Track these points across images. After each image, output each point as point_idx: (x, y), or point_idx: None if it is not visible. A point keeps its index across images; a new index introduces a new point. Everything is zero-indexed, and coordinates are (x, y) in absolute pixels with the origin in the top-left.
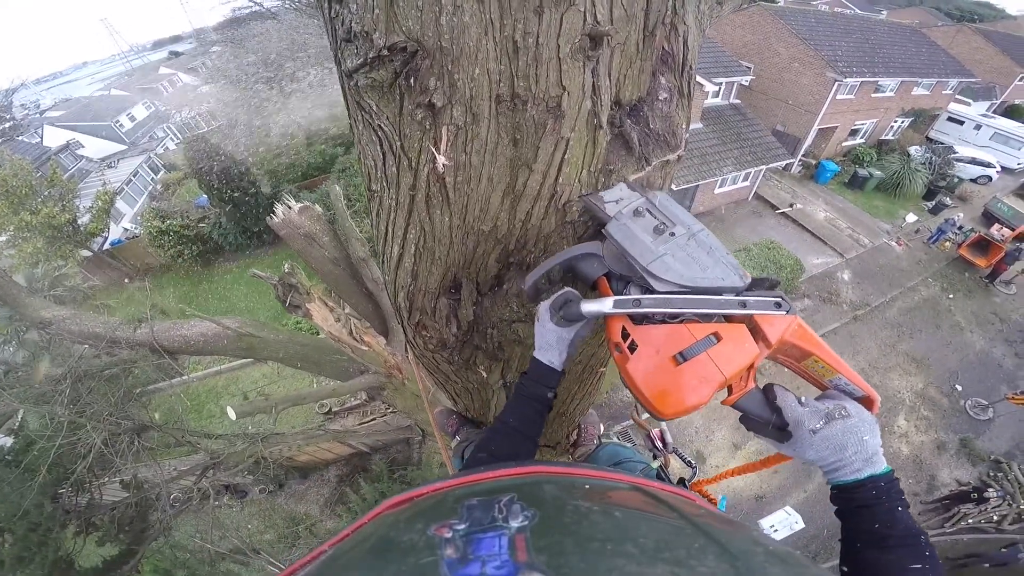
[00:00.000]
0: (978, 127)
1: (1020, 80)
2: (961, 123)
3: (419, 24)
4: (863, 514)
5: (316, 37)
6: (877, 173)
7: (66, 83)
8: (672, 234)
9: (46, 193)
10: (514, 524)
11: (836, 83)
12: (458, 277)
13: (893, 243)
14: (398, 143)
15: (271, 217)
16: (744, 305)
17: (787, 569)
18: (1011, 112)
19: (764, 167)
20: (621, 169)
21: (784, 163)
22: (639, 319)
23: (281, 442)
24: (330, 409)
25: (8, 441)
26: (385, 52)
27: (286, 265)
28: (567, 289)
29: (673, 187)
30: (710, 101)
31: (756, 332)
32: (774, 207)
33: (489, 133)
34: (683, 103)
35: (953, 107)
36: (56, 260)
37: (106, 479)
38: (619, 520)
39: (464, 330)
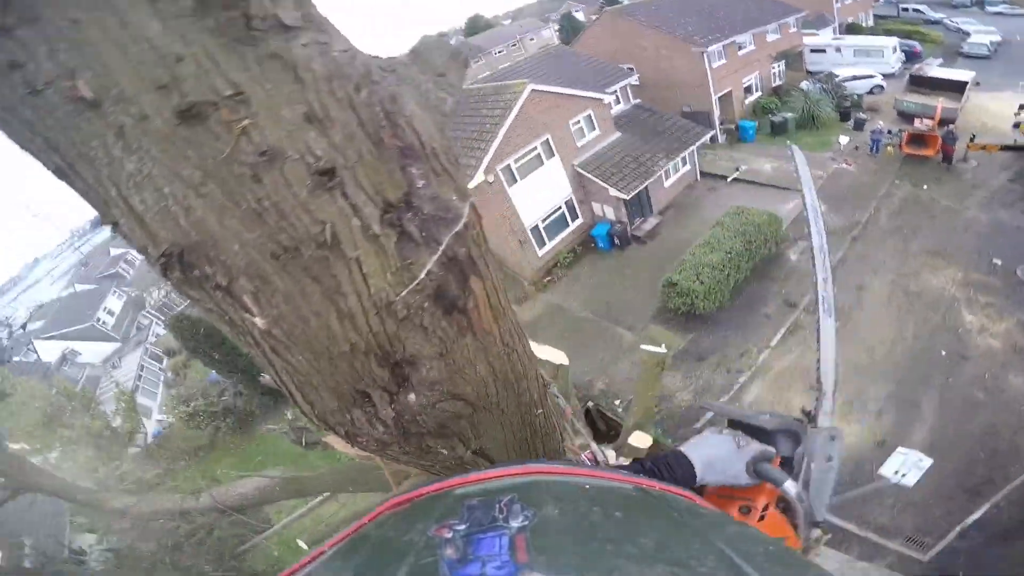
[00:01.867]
0: (838, 50)
1: (837, 3)
2: (823, 51)
3: (169, 231)
4: None
5: None
6: (789, 115)
7: (30, 287)
8: (831, 467)
9: (70, 408)
10: (514, 524)
11: (703, 54)
12: (359, 389)
13: (843, 165)
14: (225, 316)
15: (262, 376)
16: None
17: (788, 570)
18: (852, 30)
19: (693, 147)
20: (418, 258)
21: (708, 136)
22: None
23: None
24: None
25: None
26: (164, 258)
27: (288, 413)
28: (765, 449)
29: (623, 196)
30: (617, 109)
31: None
32: (724, 177)
33: (286, 284)
34: (443, 179)
35: (807, 40)
36: (111, 462)
37: None
38: (619, 520)
39: (393, 426)
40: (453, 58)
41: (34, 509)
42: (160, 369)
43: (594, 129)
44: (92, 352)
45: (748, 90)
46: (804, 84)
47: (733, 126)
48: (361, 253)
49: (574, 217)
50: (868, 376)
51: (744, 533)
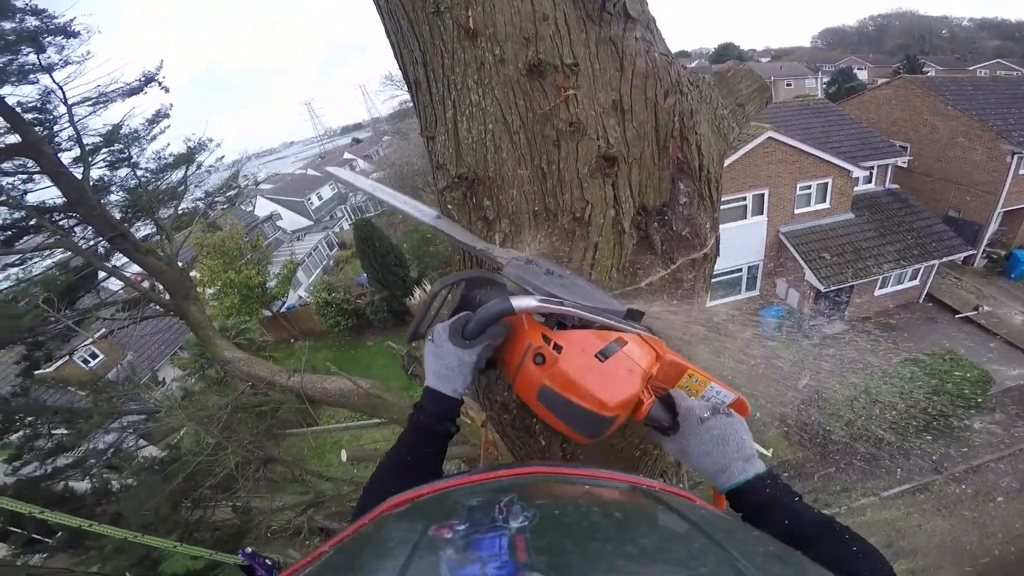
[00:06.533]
0: None
1: None
2: None
3: (475, 160)
4: (768, 513)
5: None
6: None
7: (277, 159)
8: (561, 275)
9: (248, 256)
10: (514, 524)
11: (1015, 156)
12: None
13: None
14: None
15: (410, 298)
16: (633, 326)
17: (787, 569)
18: None
19: (936, 262)
20: (648, 268)
21: (963, 255)
22: (554, 327)
23: None
24: None
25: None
26: (455, 179)
27: (415, 343)
28: (465, 312)
29: (819, 287)
30: (861, 188)
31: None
32: (954, 311)
33: (531, 238)
34: (705, 205)
35: None
36: (244, 315)
37: (223, 500)
38: (619, 520)
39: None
40: (759, 92)
41: (159, 331)
42: (327, 256)
43: (824, 201)
44: (290, 221)
45: None
46: None
47: (1004, 252)
48: (601, 241)
49: (751, 287)
50: None
51: (745, 533)
